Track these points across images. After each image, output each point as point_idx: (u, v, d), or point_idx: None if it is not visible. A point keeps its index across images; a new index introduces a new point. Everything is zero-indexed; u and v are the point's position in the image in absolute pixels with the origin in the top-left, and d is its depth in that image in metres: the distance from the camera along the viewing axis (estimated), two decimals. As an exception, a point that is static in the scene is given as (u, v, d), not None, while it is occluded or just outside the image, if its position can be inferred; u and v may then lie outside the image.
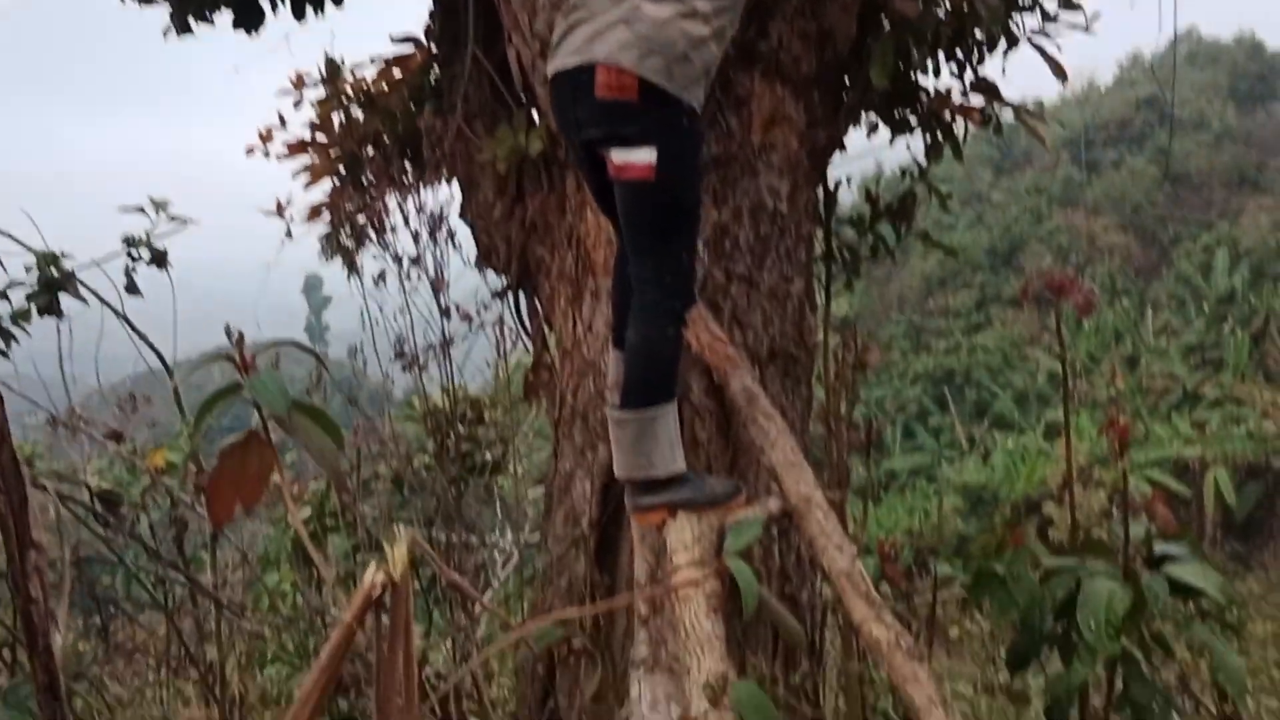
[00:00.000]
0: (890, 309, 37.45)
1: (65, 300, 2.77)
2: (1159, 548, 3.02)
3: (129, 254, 2.82)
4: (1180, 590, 2.91)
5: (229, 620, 4.03)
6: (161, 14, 3.69)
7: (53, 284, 2.85)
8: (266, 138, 4.28)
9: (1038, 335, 31.59)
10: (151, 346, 2.77)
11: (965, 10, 3.88)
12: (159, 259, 2.89)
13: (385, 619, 1.28)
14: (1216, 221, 35.11)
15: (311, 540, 3.74)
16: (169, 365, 2.64)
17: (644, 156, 2.75)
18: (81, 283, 2.60)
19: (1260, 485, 19.25)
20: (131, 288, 2.78)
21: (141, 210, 2.75)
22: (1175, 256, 33.92)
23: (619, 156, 2.79)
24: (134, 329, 2.76)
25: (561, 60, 2.85)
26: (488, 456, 3.81)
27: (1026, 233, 38.11)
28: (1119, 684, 3.22)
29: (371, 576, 1.24)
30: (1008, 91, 4.26)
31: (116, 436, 3.40)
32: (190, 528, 3.63)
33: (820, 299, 4.14)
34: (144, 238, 2.75)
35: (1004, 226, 38.80)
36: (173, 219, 2.81)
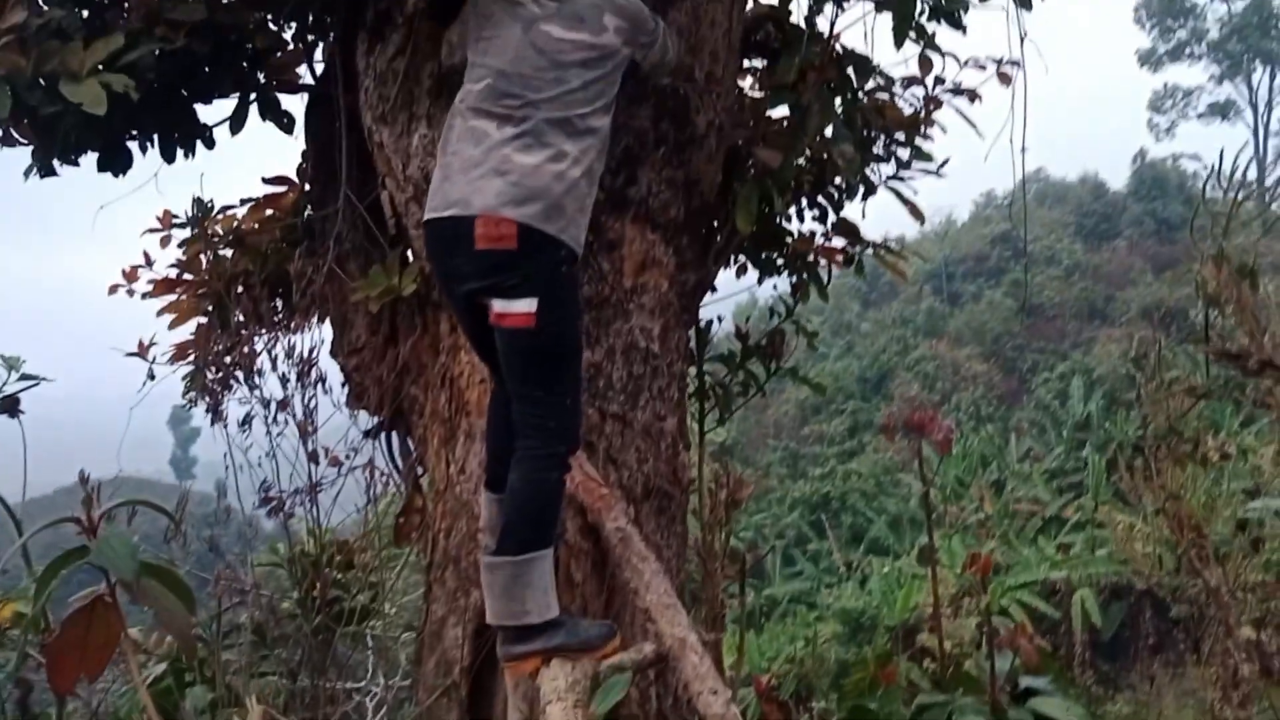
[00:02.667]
0: (767, 436, 38.04)
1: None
2: (1024, 682, 3.08)
3: (-25, 401, 2.69)
4: (1046, 723, 2.97)
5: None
6: (22, 153, 3.58)
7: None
8: (131, 276, 4.19)
9: (909, 461, 32.35)
10: (-6, 493, 2.63)
11: (825, 160, 4.08)
12: (9, 407, 2.76)
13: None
14: (1070, 351, 36.93)
15: (168, 695, 3.54)
16: (15, 516, 2.50)
17: (524, 305, 2.79)
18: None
19: (1123, 605, 19.86)
20: (-22, 430, 2.65)
21: (-11, 359, 2.64)
22: (1034, 384, 35.43)
23: (500, 305, 2.82)
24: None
25: (437, 210, 2.88)
26: (357, 602, 3.68)
27: (895, 361, 39.45)
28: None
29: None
30: (870, 229, 4.46)
31: (-46, 589, 3.18)
32: (38, 686, 3.40)
33: (694, 435, 4.20)
34: (-8, 386, 2.63)
35: (873, 356, 40.13)
36: (26, 378, 2.70)
